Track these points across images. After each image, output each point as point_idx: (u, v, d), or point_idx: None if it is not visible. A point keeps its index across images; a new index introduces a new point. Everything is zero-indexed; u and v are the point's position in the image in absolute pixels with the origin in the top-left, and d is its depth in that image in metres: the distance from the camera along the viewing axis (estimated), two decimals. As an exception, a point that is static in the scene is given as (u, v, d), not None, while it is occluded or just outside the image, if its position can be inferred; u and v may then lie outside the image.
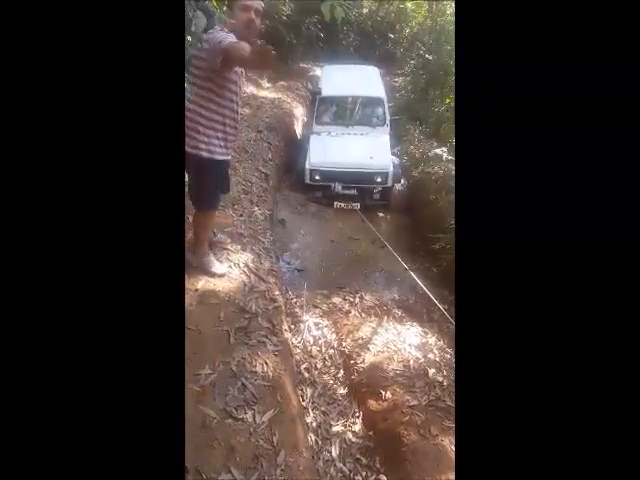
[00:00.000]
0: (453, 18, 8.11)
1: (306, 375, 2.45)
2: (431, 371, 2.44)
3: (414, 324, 3.03)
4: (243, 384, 1.72)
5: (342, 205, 4.32)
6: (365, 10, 11.03)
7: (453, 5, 8.25)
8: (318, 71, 8.58)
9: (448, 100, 7.13)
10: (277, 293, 2.42)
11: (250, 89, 6.24)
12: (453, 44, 7.90)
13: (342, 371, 2.52)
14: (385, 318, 2.97)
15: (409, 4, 10.40)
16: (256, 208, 3.21)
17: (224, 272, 2.26)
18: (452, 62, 7.80)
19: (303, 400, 2.23)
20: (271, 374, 1.86)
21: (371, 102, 5.04)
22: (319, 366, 2.54)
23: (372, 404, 2.23)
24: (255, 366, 1.85)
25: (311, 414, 2.20)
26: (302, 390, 2.31)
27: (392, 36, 10.23)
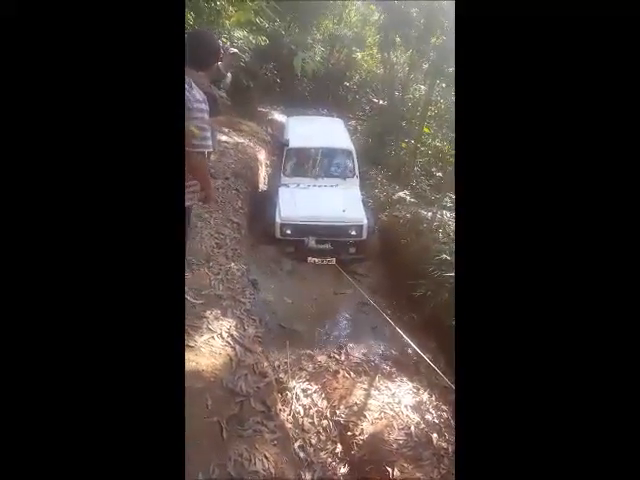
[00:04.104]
0: (404, 67, 8.75)
1: (301, 455, 2.18)
2: (434, 436, 2.29)
3: (404, 379, 2.91)
4: (244, 491, 1.45)
5: (317, 260, 4.07)
6: (318, 58, 11.63)
7: (399, 55, 8.92)
8: (276, 115, 8.72)
9: (404, 145, 7.55)
10: (266, 365, 2.18)
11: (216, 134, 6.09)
12: (403, 92, 8.52)
13: (340, 446, 2.29)
14: (376, 377, 2.81)
15: (359, 54, 11.10)
16: (232, 264, 2.99)
17: None
18: (405, 109, 8.36)
19: (303, 489, 1.97)
20: (273, 470, 1.61)
21: (340, 154, 4.89)
22: (314, 442, 2.29)
23: (380, 485, 2.02)
24: (254, 463, 1.59)
25: (315, 506, 1.94)
26: (300, 475, 2.04)
27: (347, 84, 10.76)
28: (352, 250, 4.27)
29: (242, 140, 6.19)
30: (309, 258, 4.09)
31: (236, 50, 4.10)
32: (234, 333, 2.24)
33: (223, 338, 2.16)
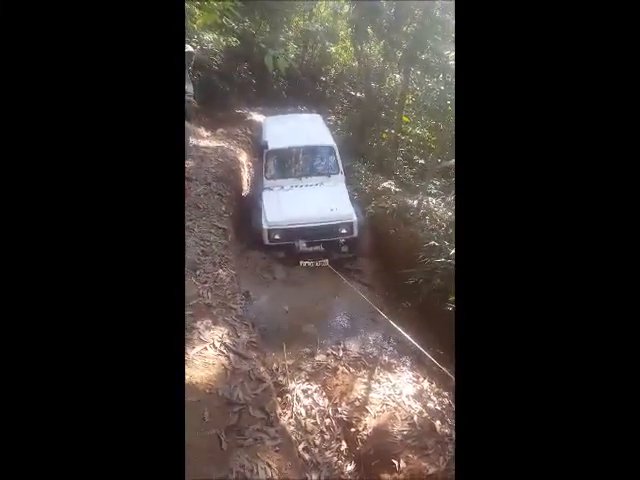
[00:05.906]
0: (379, 58, 8.72)
1: (306, 457, 2.16)
2: (437, 424, 2.29)
3: (403, 369, 2.91)
4: (248, 503, 1.42)
5: (309, 263, 3.93)
6: (292, 55, 11.51)
7: (372, 46, 8.89)
8: (254, 115, 8.62)
9: (384, 135, 7.52)
10: (262, 370, 2.15)
11: (190, 139, 5.98)
12: (379, 82, 8.49)
13: (344, 443, 2.27)
14: (375, 370, 2.80)
15: (333, 48, 11.02)
16: (220, 270, 2.94)
17: None
18: (382, 99, 8.33)
19: (310, 492, 1.95)
20: (277, 477, 1.58)
21: (322, 151, 4.75)
22: (318, 442, 2.27)
23: (387, 479, 2.01)
24: (257, 473, 1.56)
25: (323, 507, 1.91)
26: (307, 478, 2.02)
27: (324, 79, 10.69)
28: (344, 249, 4.15)
29: (222, 144, 6.10)
30: (301, 262, 3.98)
31: (191, 49, 4.00)
32: (227, 341, 2.20)
33: (216, 348, 2.12)
